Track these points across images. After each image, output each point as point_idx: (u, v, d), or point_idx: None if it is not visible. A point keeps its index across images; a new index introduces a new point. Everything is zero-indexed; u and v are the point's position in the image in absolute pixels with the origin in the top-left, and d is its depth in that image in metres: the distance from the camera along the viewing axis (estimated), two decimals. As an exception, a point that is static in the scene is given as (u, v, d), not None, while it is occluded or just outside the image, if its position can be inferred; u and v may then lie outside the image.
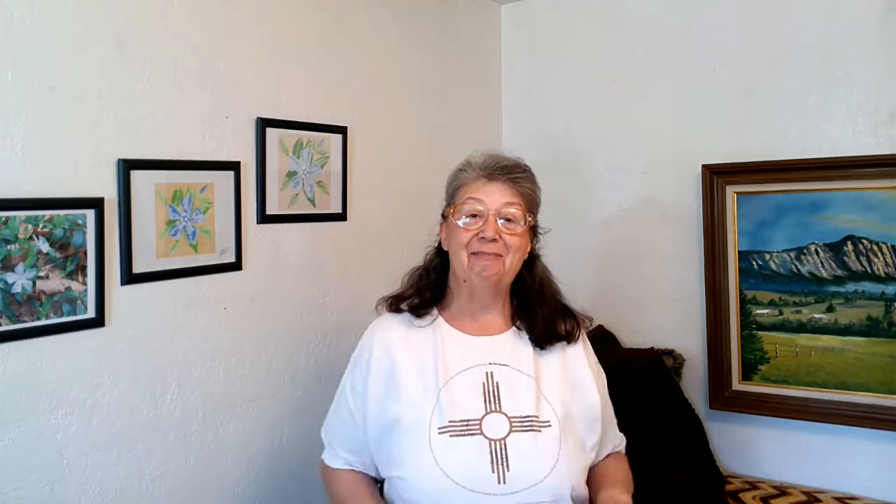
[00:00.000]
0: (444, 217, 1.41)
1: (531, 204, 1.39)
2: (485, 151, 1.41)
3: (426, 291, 1.43)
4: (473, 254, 1.33)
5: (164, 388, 1.49)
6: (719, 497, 1.93)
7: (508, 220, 1.34)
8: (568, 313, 1.44)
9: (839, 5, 1.95)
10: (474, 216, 1.34)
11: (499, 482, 1.22)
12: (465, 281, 1.37)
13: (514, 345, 1.38)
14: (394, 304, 1.44)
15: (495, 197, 1.34)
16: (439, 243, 1.45)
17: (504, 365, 1.35)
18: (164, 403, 1.49)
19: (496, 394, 1.31)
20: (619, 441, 1.50)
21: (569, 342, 1.41)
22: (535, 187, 1.41)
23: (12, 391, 1.24)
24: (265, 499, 1.70)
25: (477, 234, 1.32)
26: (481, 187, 1.35)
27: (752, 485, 2.00)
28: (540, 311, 1.40)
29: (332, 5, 1.86)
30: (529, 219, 1.37)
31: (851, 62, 1.93)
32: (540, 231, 1.45)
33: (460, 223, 1.35)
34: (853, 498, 1.91)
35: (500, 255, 1.33)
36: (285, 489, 1.74)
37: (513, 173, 1.37)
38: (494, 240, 1.32)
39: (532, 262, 1.44)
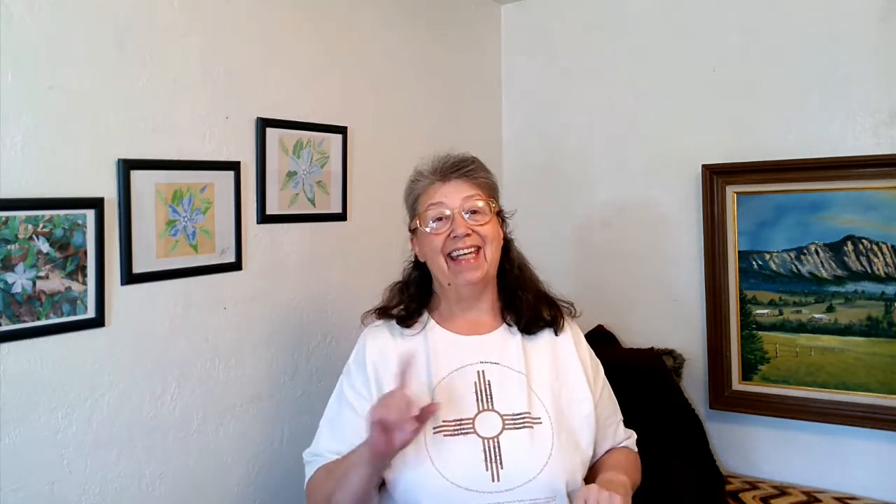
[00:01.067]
0: (412, 230, 1.41)
1: (491, 191, 1.40)
2: (430, 156, 1.42)
3: (411, 303, 1.43)
4: (451, 257, 1.33)
5: (164, 388, 1.49)
6: (719, 497, 1.94)
7: (474, 212, 1.35)
8: (548, 300, 1.45)
9: (839, 5, 1.95)
10: (440, 219, 1.35)
11: (493, 480, 1.23)
12: (449, 285, 1.37)
13: (504, 342, 1.39)
14: (381, 313, 1.44)
15: (454, 195, 1.35)
16: (416, 257, 1.45)
17: (495, 363, 1.35)
18: (164, 403, 1.49)
19: (488, 392, 1.32)
20: (623, 437, 1.49)
21: (555, 331, 1.42)
22: (488, 175, 1.42)
23: (12, 391, 1.24)
24: (265, 499, 1.70)
25: (449, 235, 1.33)
26: (438, 190, 1.36)
27: (752, 485, 2.00)
28: (524, 297, 1.41)
29: (332, 5, 1.86)
30: (493, 205, 1.38)
31: (851, 62, 1.93)
32: (507, 216, 1.46)
33: (429, 229, 1.35)
34: (853, 498, 1.91)
35: (480, 247, 1.34)
36: (285, 489, 1.74)
37: (464, 168, 1.38)
38: (468, 234, 1.32)
39: (507, 247, 1.45)
